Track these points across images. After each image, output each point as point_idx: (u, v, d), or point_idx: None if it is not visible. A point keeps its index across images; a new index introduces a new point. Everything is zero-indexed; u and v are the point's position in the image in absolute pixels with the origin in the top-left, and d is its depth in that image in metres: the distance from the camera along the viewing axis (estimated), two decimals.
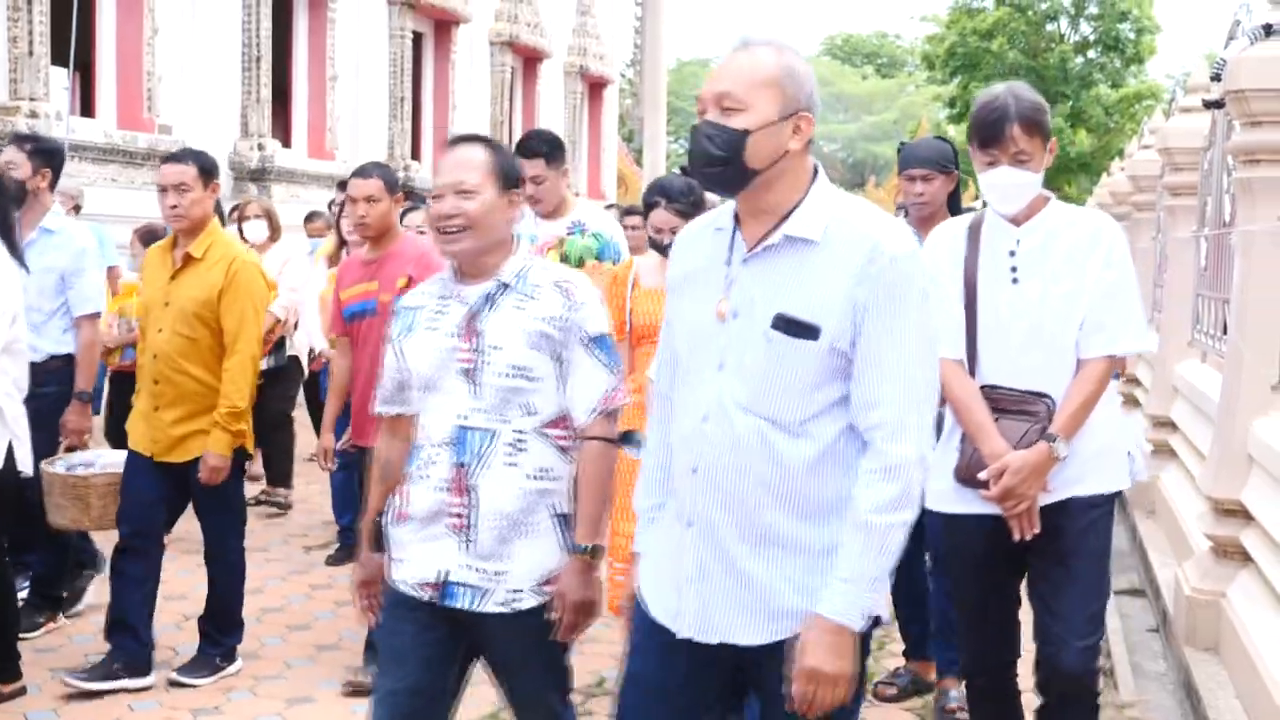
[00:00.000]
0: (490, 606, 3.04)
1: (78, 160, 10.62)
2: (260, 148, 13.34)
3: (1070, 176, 33.58)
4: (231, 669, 5.08)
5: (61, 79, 11.19)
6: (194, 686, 4.91)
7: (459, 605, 3.05)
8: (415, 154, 16.83)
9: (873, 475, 2.40)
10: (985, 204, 3.62)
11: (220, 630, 5.07)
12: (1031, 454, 3.40)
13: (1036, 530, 3.45)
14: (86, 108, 12.09)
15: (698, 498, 2.52)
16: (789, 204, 2.48)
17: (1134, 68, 36.31)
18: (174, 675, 4.95)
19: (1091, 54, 36.08)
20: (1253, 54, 5.23)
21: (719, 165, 2.45)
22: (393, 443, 3.28)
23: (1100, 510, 3.56)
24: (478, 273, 3.11)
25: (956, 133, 35.99)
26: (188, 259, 4.89)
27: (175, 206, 4.84)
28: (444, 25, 17.40)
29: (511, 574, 3.04)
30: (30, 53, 10.23)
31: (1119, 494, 3.64)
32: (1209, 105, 6.62)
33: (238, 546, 5.13)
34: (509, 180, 3.14)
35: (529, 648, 3.10)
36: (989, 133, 3.44)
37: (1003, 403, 3.47)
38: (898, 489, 2.39)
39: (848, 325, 2.40)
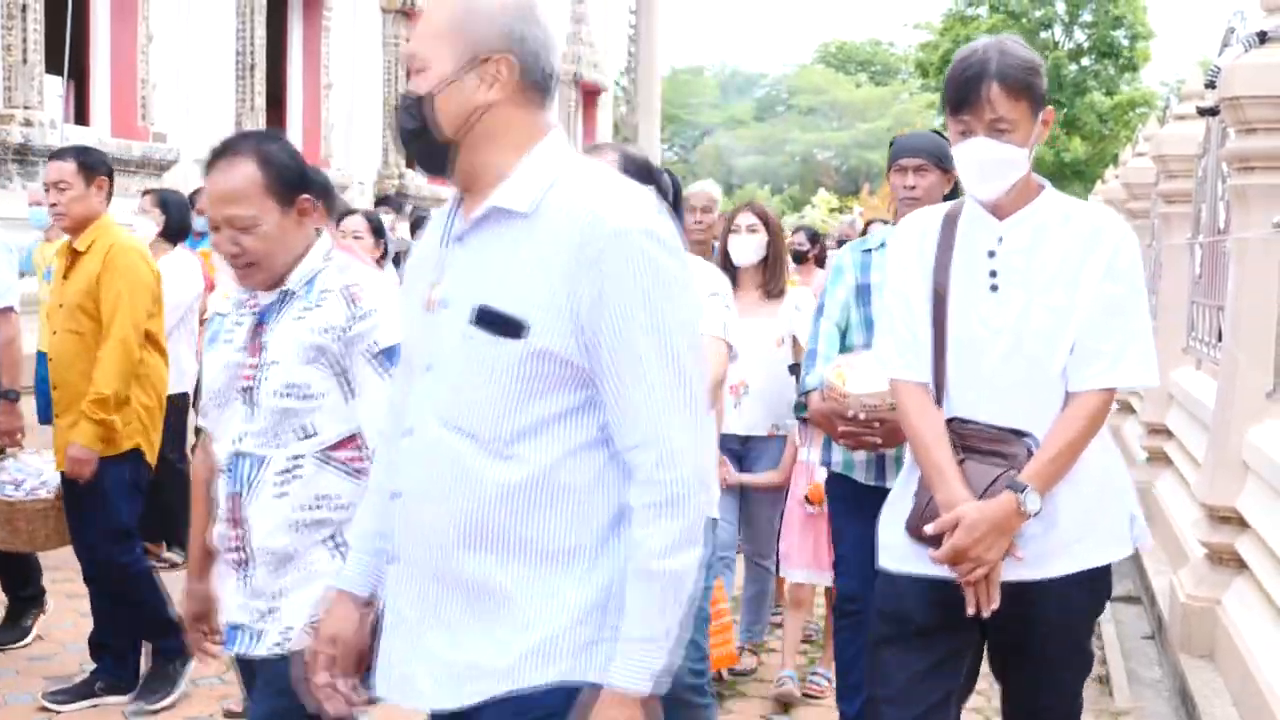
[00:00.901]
0: (263, 650, 2.72)
1: None
2: None
3: (1065, 184, 33.61)
4: (189, 667, 4.80)
5: (56, 87, 11.16)
6: (154, 710, 4.71)
7: (237, 650, 2.75)
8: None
9: (649, 511, 1.96)
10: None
11: (154, 641, 4.77)
12: (992, 506, 2.70)
13: (995, 606, 2.75)
14: (81, 116, 12.07)
15: (399, 530, 2.11)
16: (507, 171, 2.03)
17: (1128, 75, 36.41)
18: (133, 708, 4.71)
19: (1086, 61, 36.18)
20: (1247, 61, 5.24)
21: (415, 139, 2.07)
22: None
23: (1089, 592, 2.91)
24: (277, 281, 2.78)
25: None
26: (74, 255, 4.70)
27: (55, 205, 4.68)
28: None
29: (283, 612, 2.70)
30: (24, 61, 10.21)
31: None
32: (1203, 112, 6.62)
33: (125, 564, 4.70)
34: (290, 189, 2.73)
35: (295, 698, 2.59)
36: (962, 93, 2.74)
37: (973, 440, 2.79)
38: (681, 524, 1.96)
39: (564, 323, 1.94)
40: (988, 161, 2.75)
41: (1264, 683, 4.23)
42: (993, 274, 2.80)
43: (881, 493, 3.79)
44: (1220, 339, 6.07)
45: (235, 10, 13.07)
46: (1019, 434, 2.76)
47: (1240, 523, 5.12)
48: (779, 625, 5.81)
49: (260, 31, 13.32)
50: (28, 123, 10.10)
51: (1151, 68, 37.99)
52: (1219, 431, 5.42)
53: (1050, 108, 2.84)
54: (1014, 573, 2.76)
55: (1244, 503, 5.08)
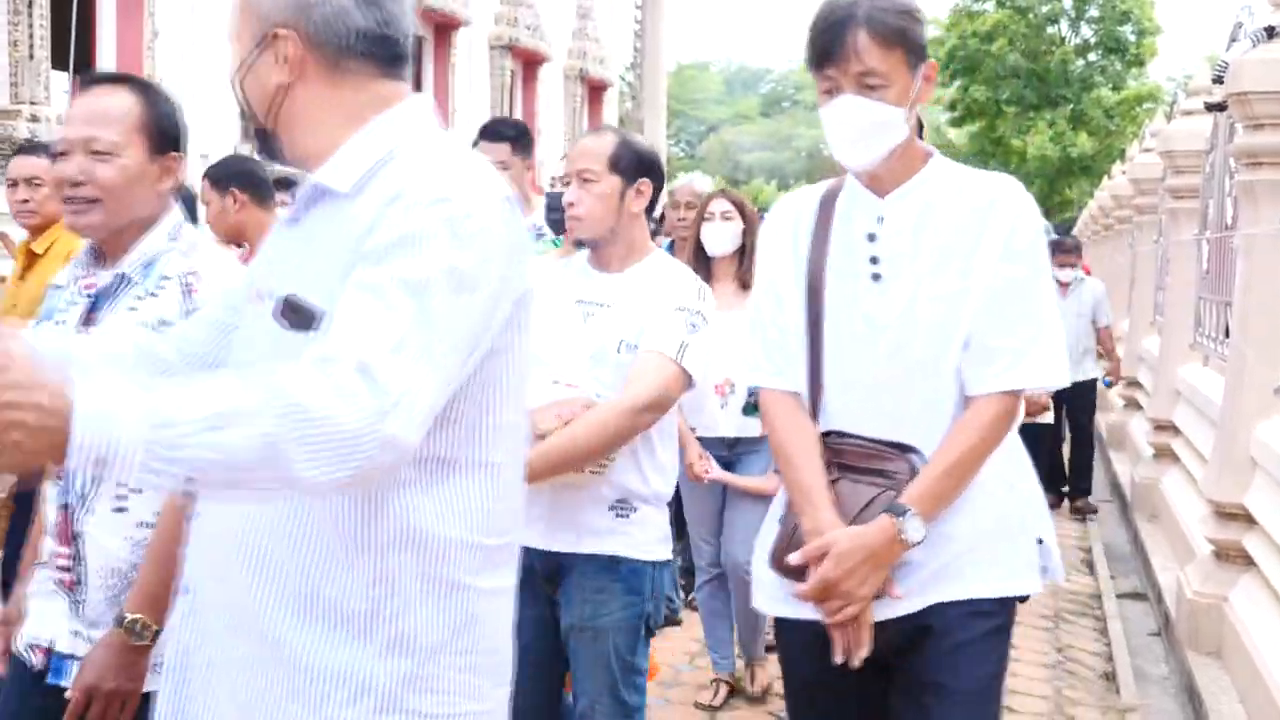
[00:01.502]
0: None
1: None
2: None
3: (1071, 179, 33.54)
4: None
5: (62, 83, 11.18)
6: None
7: (66, 684, 2.37)
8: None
9: (310, 374, 1.52)
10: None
11: None
12: (868, 533, 2.27)
13: (865, 652, 2.32)
14: None
15: (192, 554, 1.83)
16: (337, 146, 1.77)
17: (1135, 70, 36.27)
18: None
19: (1092, 56, 36.04)
20: (1255, 56, 5.23)
21: (252, 124, 1.87)
22: None
23: (987, 623, 2.39)
24: (117, 252, 2.45)
25: (956, 136, 36.04)
26: (31, 257, 4.48)
27: (26, 201, 4.46)
28: (444, 29, 17.40)
29: None
30: (31, 56, 10.22)
31: (1018, 601, 2.48)
32: (1211, 108, 6.62)
33: None
34: (163, 139, 2.45)
35: None
36: (826, 43, 2.32)
37: (849, 457, 2.37)
38: (319, 387, 1.50)
39: None
40: (855, 124, 2.32)
41: (1271, 679, 4.22)
42: (874, 260, 2.38)
43: None
44: (1228, 335, 6.05)
45: None
46: (903, 449, 2.34)
47: (1247, 519, 5.11)
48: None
49: None
50: (34, 118, 10.11)
51: (1158, 63, 37.91)
52: (1226, 428, 5.41)
53: (933, 61, 2.43)
54: (889, 610, 2.34)
55: (1251, 499, 5.07)
